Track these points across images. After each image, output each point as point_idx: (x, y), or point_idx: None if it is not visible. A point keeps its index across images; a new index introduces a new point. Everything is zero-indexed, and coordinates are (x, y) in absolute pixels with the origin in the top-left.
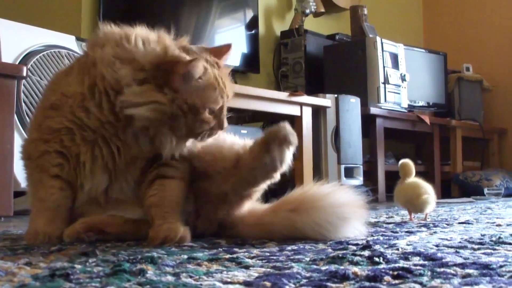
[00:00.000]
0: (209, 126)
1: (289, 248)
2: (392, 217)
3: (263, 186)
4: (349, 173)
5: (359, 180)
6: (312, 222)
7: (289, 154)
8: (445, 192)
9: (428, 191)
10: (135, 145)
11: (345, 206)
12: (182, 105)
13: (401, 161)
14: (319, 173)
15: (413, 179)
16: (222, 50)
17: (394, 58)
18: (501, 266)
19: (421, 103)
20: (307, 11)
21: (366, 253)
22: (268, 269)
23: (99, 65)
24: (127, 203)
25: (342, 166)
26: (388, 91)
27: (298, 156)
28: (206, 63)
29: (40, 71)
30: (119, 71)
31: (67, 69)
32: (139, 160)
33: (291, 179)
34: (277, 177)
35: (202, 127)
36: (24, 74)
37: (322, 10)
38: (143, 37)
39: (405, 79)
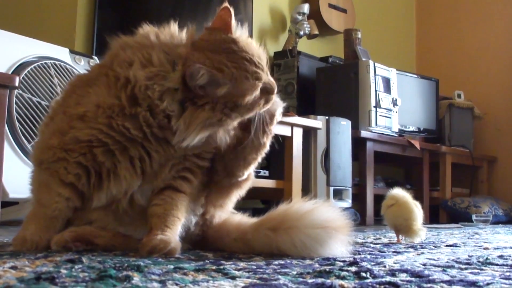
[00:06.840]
0: (259, 107)
1: (276, 262)
2: (379, 238)
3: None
4: (338, 195)
5: (347, 202)
6: (289, 243)
7: None
8: (433, 217)
9: (418, 218)
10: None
11: (322, 227)
12: (223, 109)
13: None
14: (308, 194)
15: (403, 199)
16: (225, 20)
17: (386, 82)
18: (488, 284)
19: (411, 128)
20: (301, 33)
21: (353, 268)
22: (255, 280)
23: (139, 89)
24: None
25: (331, 188)
26: (379, 115)
27: (287, 176)
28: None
29: (32, 82)
30: (164, 101)
31: (87, 79)
32: (174, 159)
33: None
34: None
35: (253, 110)
36: (16, 84)
37: (316, 32)
38: (162, 51)
39: (396, 104)
